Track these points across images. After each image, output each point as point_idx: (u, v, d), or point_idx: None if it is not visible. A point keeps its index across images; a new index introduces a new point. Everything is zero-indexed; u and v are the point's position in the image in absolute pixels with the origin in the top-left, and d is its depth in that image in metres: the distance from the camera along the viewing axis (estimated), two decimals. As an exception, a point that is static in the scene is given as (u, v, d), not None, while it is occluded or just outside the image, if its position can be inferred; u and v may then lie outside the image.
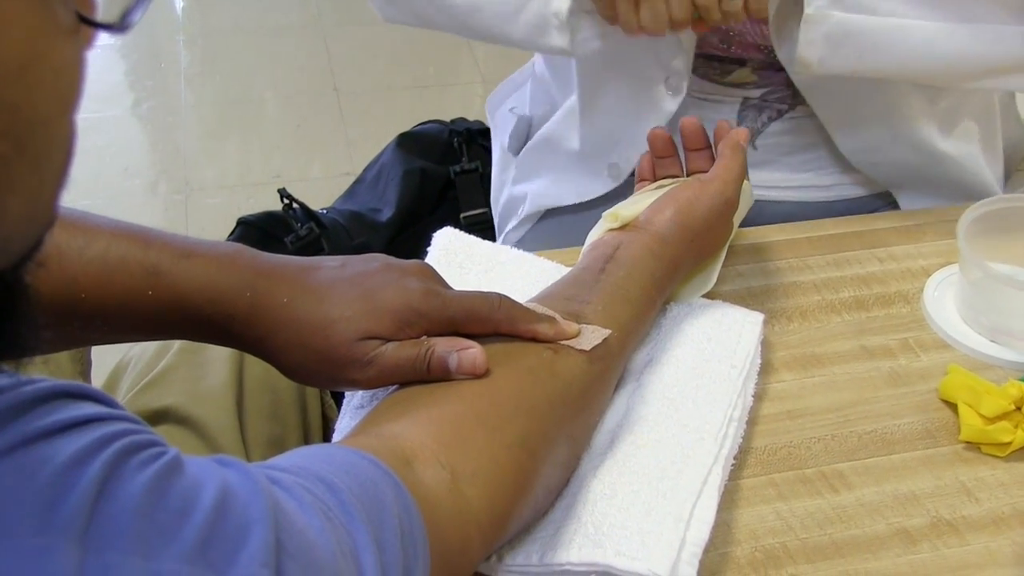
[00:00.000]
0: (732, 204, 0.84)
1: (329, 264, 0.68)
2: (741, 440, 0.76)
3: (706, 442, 0.72)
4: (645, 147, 0.93)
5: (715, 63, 1.07)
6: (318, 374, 0.67)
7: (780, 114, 1.09)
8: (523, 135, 1.24)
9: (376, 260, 0.69)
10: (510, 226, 1.23)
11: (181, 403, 0.90)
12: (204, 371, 0.92)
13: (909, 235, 0.98)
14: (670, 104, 1.05)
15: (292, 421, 0.95)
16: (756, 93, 1.08)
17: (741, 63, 1.06)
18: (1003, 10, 0.94)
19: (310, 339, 0.65)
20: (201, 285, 0.65)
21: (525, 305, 0.70)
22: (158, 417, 0.89)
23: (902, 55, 0.94)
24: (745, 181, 0.88)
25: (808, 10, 0.90)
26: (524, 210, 1.21)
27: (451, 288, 0.70)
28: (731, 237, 0.88)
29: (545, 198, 1.18)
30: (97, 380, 1.00)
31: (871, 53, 0.94)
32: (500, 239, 1.27)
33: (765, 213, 1.10)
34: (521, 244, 1.21)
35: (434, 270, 0.70)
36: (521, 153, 1.23)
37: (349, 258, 0.69)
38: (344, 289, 0.66)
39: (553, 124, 1.16)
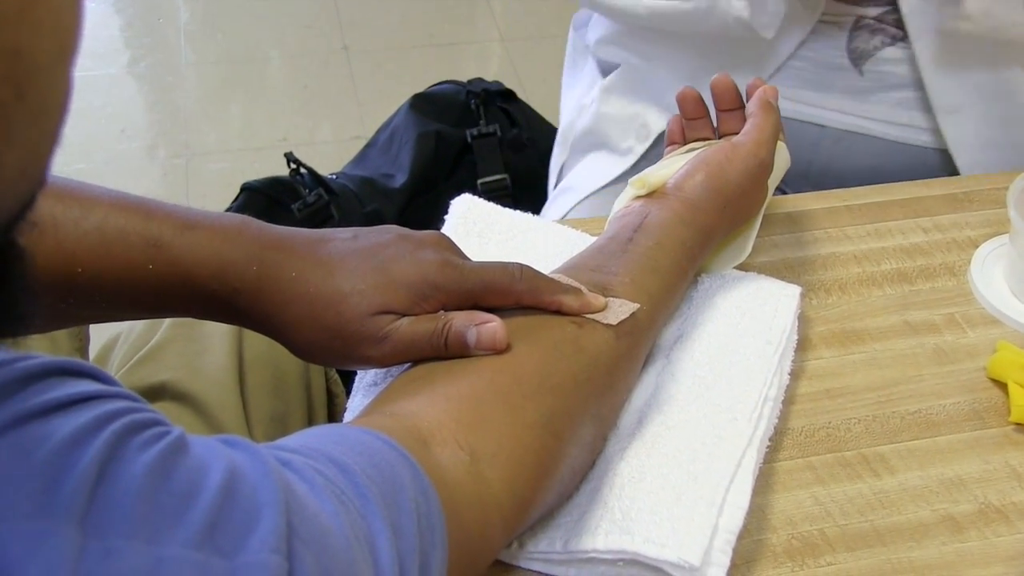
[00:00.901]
0: (766, 166, 0.83)
1: (340, 236, 0.68)
2: (777, 421, 0.75)
3: (740, 423, 0.71)
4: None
5: None
6: (329, 352, 0.67)
7: (895, 40, 1.07)
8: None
9: (390, 231, 0.69)
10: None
11: (178, 378, 0.90)
12: (201, 345, 0.93)
13: (956, 203, 0.97)
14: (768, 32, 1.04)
15: (296, 398, 0.95)
16: (872, 12, 1.06)
17: None
18: None
19: (321, 314, 0.65)
20: (205, 258, 0.65)
21: (549, 276, 0.70)
22: (154, 393, 0.89)
23: None
24: (780, 142, 0.87)
25: None
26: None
27: (469, 259, 0.69)
28: (766, 203, 0.87)
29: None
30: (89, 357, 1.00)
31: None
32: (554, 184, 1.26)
33: (855, 150, 1.09)
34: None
35: (451, 240, 0.70)
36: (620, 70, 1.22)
37: (361, 229, 0.69)
38: (356, 262, 0.66)
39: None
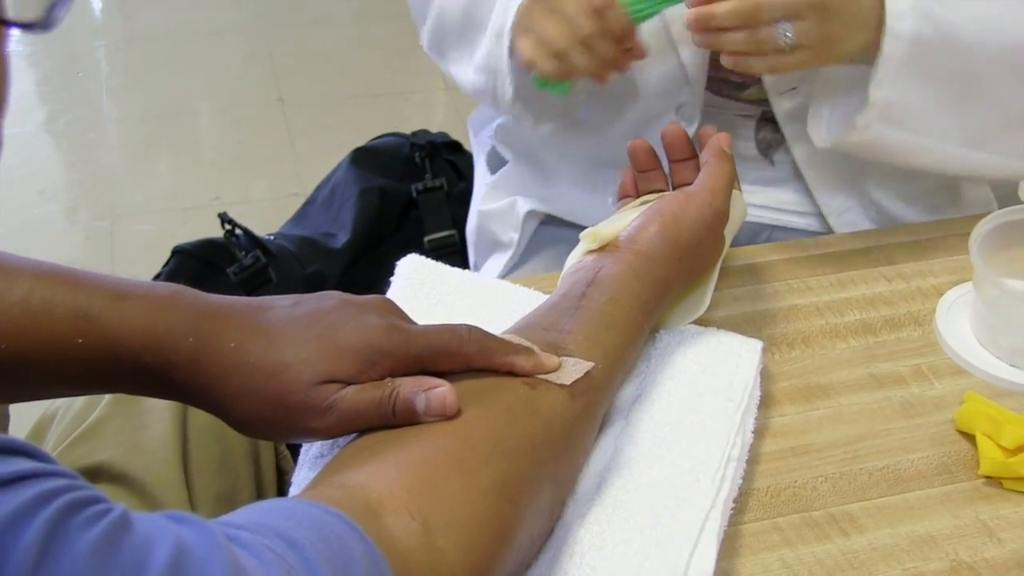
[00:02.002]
0: (722, 215, 0.87)
1: (281, 303, 0.70)
2: (741, 481, 0.78)
3: (702, 484, 0.74)
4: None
5: (728, 81, 1.12)
6: (273, 425, 0.68)
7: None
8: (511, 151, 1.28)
9: (332, 297, 0.71)
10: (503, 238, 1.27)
11: (116, 458, 0.90)
12: (142, 421, 0.93)
13: (918, 251, 1.02)
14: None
15: (244, 474, 0.96)
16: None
17: (757, 79, 1.10)
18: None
19: (263, 385, 0.66)
20: (137, 330, 0.66)
21: (499, 336, 0.72)
22: (90, 475, 0.89)
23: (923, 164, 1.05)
24: (736, 191, 0.91)
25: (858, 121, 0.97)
26: (517, 216, 1.24)
27: (415, 323, 0.72)
28: (724, 254, 0.91)
29: (543, 203, 1.23)
30: (18, 436, 1.01)
31: (893, 157, 1.03)
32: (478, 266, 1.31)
33: (774, 240, 1.14)
34: (520, 263, 1.27)
35: (395, 304, 0.72)
36: (508, 166, 1.27)
37: (303, 296, 0.71)
38: (298, 329, 0.67)
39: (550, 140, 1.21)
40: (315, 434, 0.68)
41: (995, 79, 0.98)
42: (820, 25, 0.92)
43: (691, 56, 1.08)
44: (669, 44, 1.07)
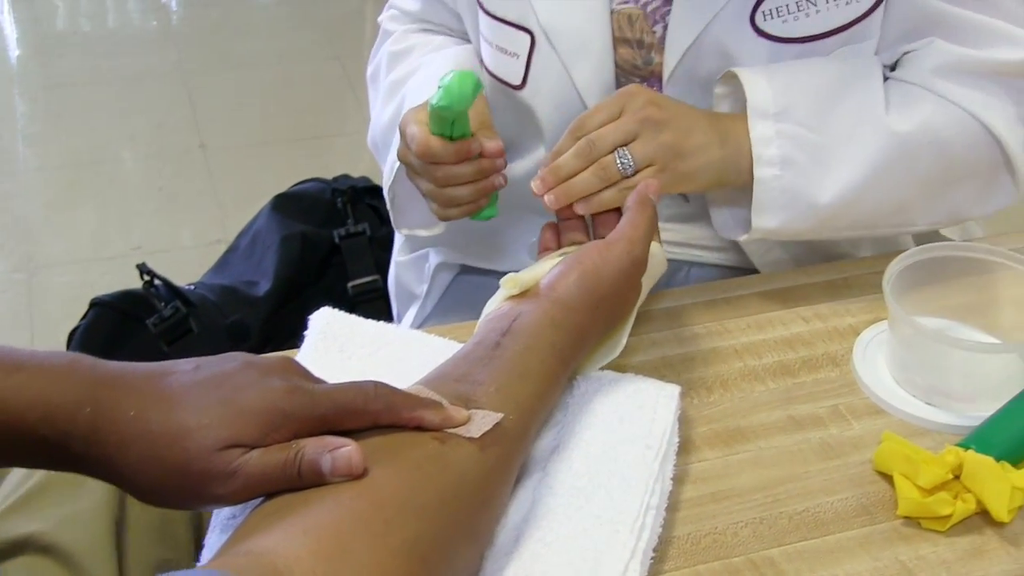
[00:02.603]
0: (640, 264, 0.87)
1: (181, 368, 0.69)
2: (661, 529, 0.78)
3: (621, 535, 0.74)
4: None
5: None
6: (177, 493, 0.67)
7: None
8: None
9: (234, 359, 0.70)
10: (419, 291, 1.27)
11: (47, 529, 0.88)
12: (78, 491, 0.91)
13: (835, 290, 1.03)
14: None
15: (183, 540, 0.94)
16: None
17: None
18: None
19: (165, 453, 0.65)
20: (32, 401, 0.65)
21: (408, 390, 0.72)
22: (17, 548, 0.87)
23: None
24: (657, 244, 0.92)
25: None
26: (430, 267, 1.24)
27: (321, 381, 0.71)
28: (640, 302, 0.91)
29: (455, 253, 1.23)
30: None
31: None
32: (400, 317, 1.31)
33: (692, 277, 1.14)
34: (433, 314, 1.26)
35: (299, 364, 0.72)
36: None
37: (204, 359, 0.70)
38: (200, 394, 0.67)
39: None
40: (221, 500, 0.67)
41: (874, 181, 1.00)
42: (656, 138, 0.95)
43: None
44: (576, 96, 1.09)
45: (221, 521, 0.76)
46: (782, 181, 0.97)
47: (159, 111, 2.88)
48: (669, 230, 1.14)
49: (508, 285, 0.85)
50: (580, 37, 1.08)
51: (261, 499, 0.68)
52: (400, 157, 1.03)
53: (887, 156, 0.99)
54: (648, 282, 0.92)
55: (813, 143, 0.98)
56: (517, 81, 1.11)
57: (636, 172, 0.94)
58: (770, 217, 0.98)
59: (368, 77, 1.28)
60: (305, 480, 0.65)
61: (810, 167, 0.98)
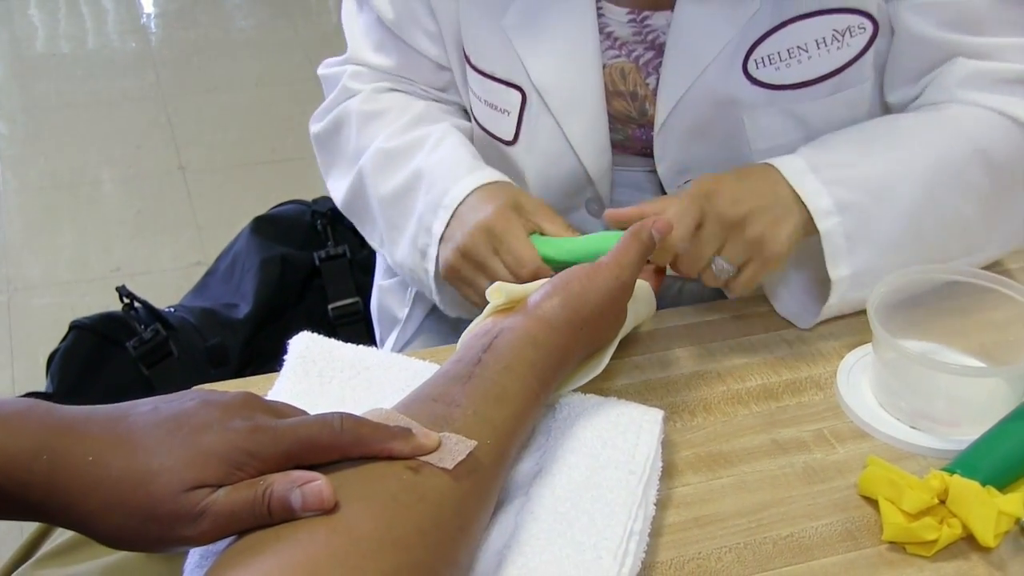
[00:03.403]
0: (627, 288, 0.87)
1: (140, 409, 0.67)
2: (644, 555, 0.77)
3: (604, 561, 0.73)
4: None
5: (626, 147, 1.14)
6: (144, 537, 0.65)
7: None
8: None
9: (193, 398, 0.68)
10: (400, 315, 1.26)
11: None
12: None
13: (819, 313, 1.02)
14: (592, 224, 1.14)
15: None
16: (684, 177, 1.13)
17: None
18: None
19: (129, 497, 0.63)
20: None
21: (378, 415, 0.71)
22: None
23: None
24: (647, 285, 0.93)
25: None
26: (412, 292, 1.23)
27: (290, 412, 0.70)
28: (627, 328, 0.90)
29: None
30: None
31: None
32: (384, 341, 1.30)
33: (684, 293, 1.14)
34: (415, 337, 1.26)
35: (260, 399, 0.70)
36: None
37: (162, 399, 0.68)
38: (161, 435, 0.65)
39: None
40: (189, 542, 0.65)
41: (929, 200, 0.99)
42: (743, 237, 0.94)
43: (593, 160, 1.10)
44: (570, 150, 1.09)
45: (195, 560, 0.75)
46: (845, 226, 0.96)
47: (138, 133, 2.87)
48: None
49: (494, 293, 0.85)
50: (573, 93, 1.08)
51: (233, 538, 0.67)
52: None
53: (934, 172, 0.98)
54: (634, 318, 0.91)
55: (859, 177, 0.97)
56: (509, 137, 1.11)
57: (739, 273, 0.96)
58: (844, 265, 0.97)
59: (318, 135, 1.24)
60: (275, 516, 0.64)
61: (866, 201, 0.97)
